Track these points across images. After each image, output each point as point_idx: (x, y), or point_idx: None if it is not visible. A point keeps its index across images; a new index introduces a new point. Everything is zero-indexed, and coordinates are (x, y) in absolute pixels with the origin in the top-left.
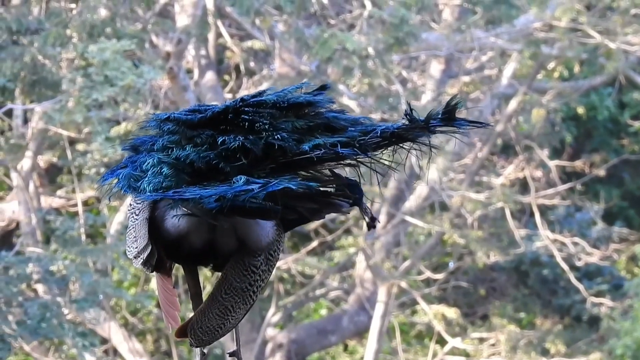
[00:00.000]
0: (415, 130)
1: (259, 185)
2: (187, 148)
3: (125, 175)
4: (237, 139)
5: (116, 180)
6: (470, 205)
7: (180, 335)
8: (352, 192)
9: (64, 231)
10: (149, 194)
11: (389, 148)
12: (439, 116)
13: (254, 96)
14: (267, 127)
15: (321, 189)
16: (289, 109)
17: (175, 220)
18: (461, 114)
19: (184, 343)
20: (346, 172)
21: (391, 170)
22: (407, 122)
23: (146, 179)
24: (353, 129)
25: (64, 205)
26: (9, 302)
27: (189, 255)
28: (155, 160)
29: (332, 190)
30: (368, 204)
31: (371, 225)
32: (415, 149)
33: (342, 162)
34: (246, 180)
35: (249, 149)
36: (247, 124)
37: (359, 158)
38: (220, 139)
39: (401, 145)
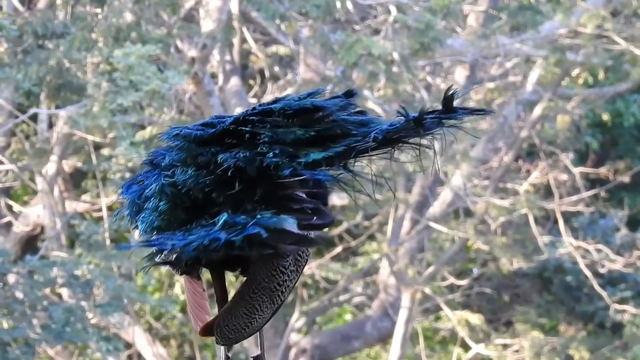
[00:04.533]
0: (410, 130)
1: (234, 232)
2: (189, 171)
3: (130, 202)
4: (233, 157)
5: (127, 201)
6: (494, 211)
7: (206, 333)
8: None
9: (88, 235)
10: (138, 241)
11: (388, 151)
12: (435, 111)
13: (267, 103)
14: (266, 139)
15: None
16: (295, 116)
17: None
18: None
19: (208, 348)
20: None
21: (381, 180)
22: (401, 121)
23: (143, 214)
24: (356, 132)
25: (88, 209)
26: (33, 306)
27: (219, 260)
28: (157, 189)
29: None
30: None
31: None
32: (413, 149)
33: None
34: (224, 223)
35: (244, 168)
36: (248, 136)
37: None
38: (220, 158)
39: (399, 148)
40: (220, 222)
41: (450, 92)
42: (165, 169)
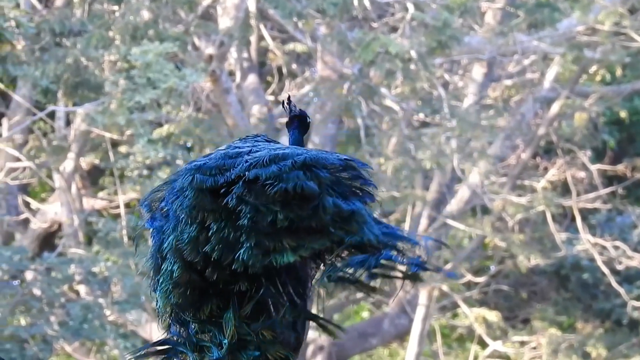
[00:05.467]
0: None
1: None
2: (191, 234)
3: (152, 253)
4: (216, 243)
5: (152, 231)
6: (511, 208)
7: None
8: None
9: (106, 233)
10: (158, 324)
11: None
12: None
13: (254, 164)
14: (246, 222)
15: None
16: (279, 195)
17: None
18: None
19: None
20: None
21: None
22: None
23: (161, 280)
24: (333, 231)
25: (106, 207)
26: (51, 303)
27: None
28: (171, 250)
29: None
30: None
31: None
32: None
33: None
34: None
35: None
36: (233, 213)
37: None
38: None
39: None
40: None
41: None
42: (182, 210)
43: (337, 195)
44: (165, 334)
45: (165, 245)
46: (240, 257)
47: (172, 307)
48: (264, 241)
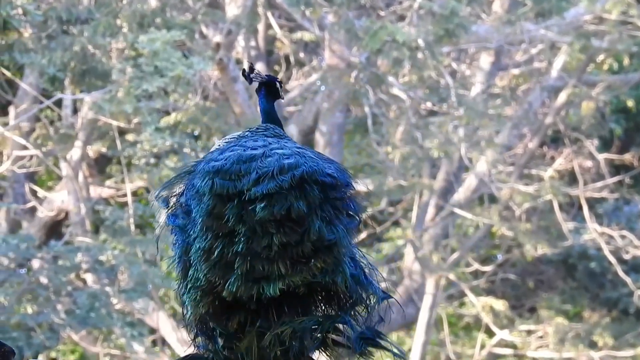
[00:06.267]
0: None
1: None
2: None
3: (178, 254)
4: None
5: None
6: (519, 197)
7: None
8: None
9: (113, 221)
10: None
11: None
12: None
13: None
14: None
15: None
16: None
17: None
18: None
19: None
20: None
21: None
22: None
23: (190, 286)
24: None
25: (113, 195)
26: (58, 291)
27: None
28: (201, 247)
29: None
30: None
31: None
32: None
33: None
34: None
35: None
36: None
37: None
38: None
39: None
40: None
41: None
42: (201, 215)
43: (323, 217)
44: (192, 346)
45: (192, 251)
46: (229, 287)
47: (202, 316)
48: (258, 266)
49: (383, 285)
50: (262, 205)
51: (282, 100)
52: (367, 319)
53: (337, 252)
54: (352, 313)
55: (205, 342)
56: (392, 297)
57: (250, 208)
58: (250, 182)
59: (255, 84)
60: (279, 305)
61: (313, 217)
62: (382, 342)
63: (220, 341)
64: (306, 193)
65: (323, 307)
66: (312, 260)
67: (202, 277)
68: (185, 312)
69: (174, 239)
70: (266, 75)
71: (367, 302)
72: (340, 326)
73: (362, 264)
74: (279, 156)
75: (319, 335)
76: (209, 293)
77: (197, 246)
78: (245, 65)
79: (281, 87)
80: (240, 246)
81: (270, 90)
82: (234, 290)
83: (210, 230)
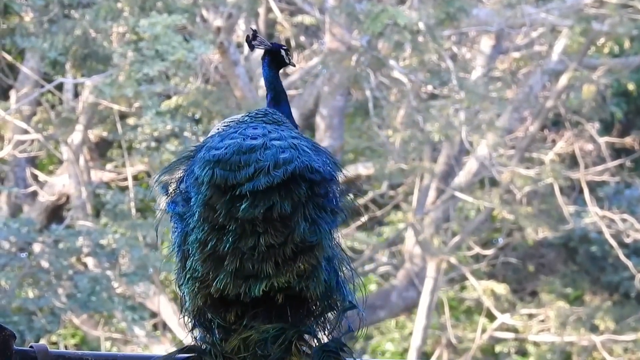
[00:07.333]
0: None
1: None
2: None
3: (177, 247)
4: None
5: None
6: (520, 180)
7: None
8: None
9: (114, 205)
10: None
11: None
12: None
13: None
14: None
15: None
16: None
17: None
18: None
19: None
20: None
21: None
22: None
23: (188, 277)
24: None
25: (114, 179)
26: (59, 275)
27: None
28: (197, 238)
29: None
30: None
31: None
32: None
33: None
34: None
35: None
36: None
37: None
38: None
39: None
40: None
41: None
42: (199, 205)
43: (306, 217)
44: (190, 338)
45: (189, 241)
46: (218, 284)
47: (200, 308)
48: (247, 264)
49: (358, 294)
50: (247, 203)
51: (294, 67)
52: (335, 328)
53: (317, 254)
54: (321, 320)
55: (203, 333)
56: (357, 308)
57: (237, 204)
58: (246, 175)
59: (260, 52)
60: (253, 307)
61: (298, 217)
62: (344, 356)
63: (217, 333)
64: (292, 192)
65: (293, 312)
66: (296, 262)
67: (199, 268)
68: (183, 303)
69: (174, 226)
70: (271, 42)
71: (337, 309)
72: (306, 335)
73: (338, 266)
74: (276, 149)
75: (282, 344)
76: (207, 285)
77: (194, 237)
78: (249, 32)
79: (288, 53)
80: (228, 244)
81: (274, 58)
82: (221, 287)
83: (207, 222)
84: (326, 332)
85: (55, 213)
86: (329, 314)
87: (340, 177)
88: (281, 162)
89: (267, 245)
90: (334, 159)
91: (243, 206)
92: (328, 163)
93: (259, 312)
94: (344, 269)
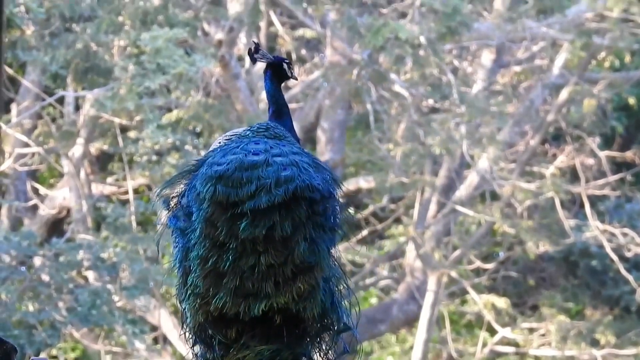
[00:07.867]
0: None
1: None
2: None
3: (178, 262)
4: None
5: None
6: (520, 194)
7: None
8: None
9: (114, 218)
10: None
11: None
12: None
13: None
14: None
15: None
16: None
17: None
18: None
19: None
20: None
21: None
22: None
23: (189, 293)
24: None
25: (114, 192)
26: (59, 288)
27: None
28: (198, 255)
29: None
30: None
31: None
32: None
33: None
34: None
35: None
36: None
37: None
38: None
39: None
40: None
41: None
42: (201, 221)
43: (306, 237)
44: (191, 354)
45: (191, 257)
46: (217, 302)
47: (201, 324)
48: (247, 283)
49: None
50: (247, 221)
51: (296, 80)
52: (331, 349)
53: (316, 274)
54: (317, 340)
55: (204, 350)
56: (351, 329)
57: (238, 223)
58: (248, 193)
59: (262, 66)
60: (251, 327)
61: (299, 237)
62: None
63: (218, 349)
64: (292, 211)
65: (289, 332)
66: (296, 282)
67: (200, 284)
68: (184, 318)
69: (175, 241)
70: (273, 55)
71: (333, 329)
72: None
73: (335, 284)
74: (277, 166)
75: None
76: (208, 302)
77: (196, 253)
78: (251, 45)
79: (290, 66)
80: (228, 262)
81: (276, 71)
82: (221, 305)
83: (208, 238)
84: (321, 354)
85: (56, 226)
86: (324, 335)
87: (340, 194)
88: (282, 180)
89: (267, 265)
90: (334, 175)
91: (243, 225)
92: (328, 180)
93: (257, 332)
94: (340, 287)
